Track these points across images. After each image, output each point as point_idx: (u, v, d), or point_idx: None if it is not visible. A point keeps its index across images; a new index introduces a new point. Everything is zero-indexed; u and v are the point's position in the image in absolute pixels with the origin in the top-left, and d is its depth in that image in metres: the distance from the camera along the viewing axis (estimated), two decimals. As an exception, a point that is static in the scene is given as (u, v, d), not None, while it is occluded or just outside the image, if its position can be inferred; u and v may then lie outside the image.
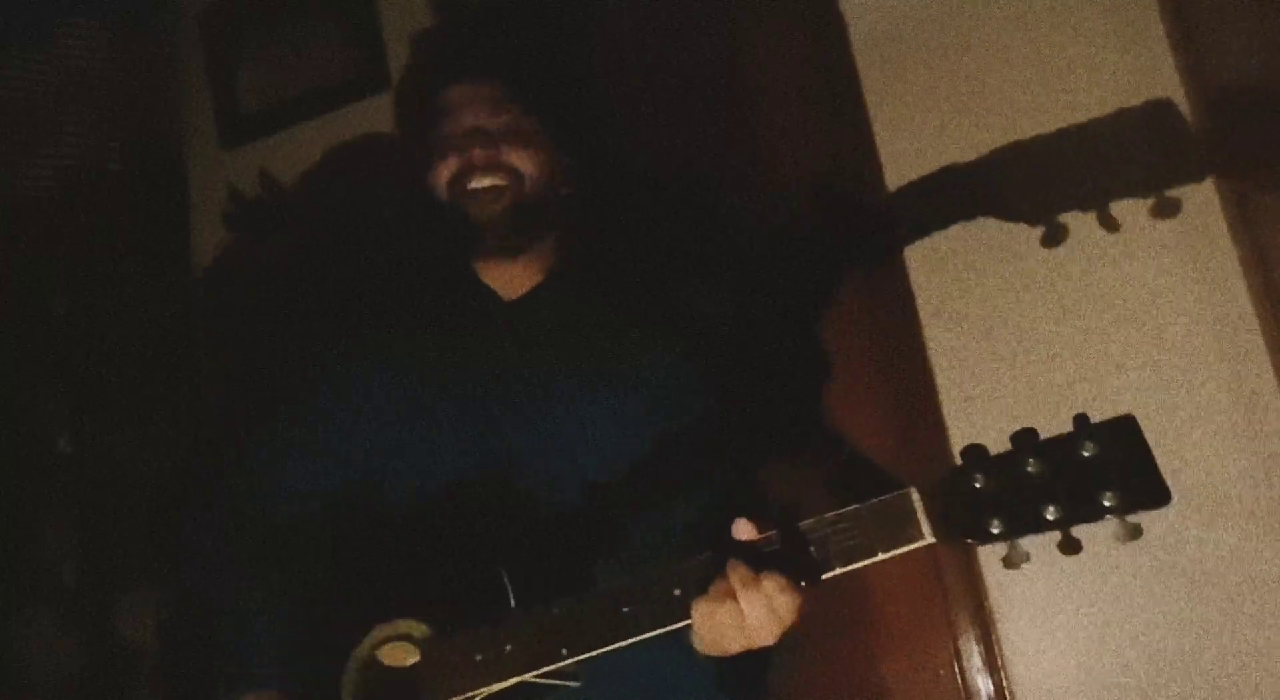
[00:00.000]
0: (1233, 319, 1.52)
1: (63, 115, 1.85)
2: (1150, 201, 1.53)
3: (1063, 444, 0.94)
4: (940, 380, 1.64)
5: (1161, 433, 1.44)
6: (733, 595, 0.96)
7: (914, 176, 1.68)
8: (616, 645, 1.02)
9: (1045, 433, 0.95)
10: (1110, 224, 1.53)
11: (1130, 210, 1.54)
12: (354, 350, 1.33)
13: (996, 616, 1.57)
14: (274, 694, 1.17)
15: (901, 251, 1.67)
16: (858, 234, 1.69)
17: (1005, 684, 1.56)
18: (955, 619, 1.58)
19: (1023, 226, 1.59)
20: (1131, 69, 1.60)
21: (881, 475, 1.34)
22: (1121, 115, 1.59)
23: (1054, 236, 1.57)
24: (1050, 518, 0.93)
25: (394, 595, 1.13)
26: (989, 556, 1.54)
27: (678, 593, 1.01)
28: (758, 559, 0.98)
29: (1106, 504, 0.91)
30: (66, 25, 1.78)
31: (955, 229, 1.65)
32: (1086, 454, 0.93)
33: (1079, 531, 0.93)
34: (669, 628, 1.00)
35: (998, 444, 0.96)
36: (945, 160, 1.67)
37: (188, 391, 1.83)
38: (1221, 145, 1.53)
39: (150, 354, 1.88)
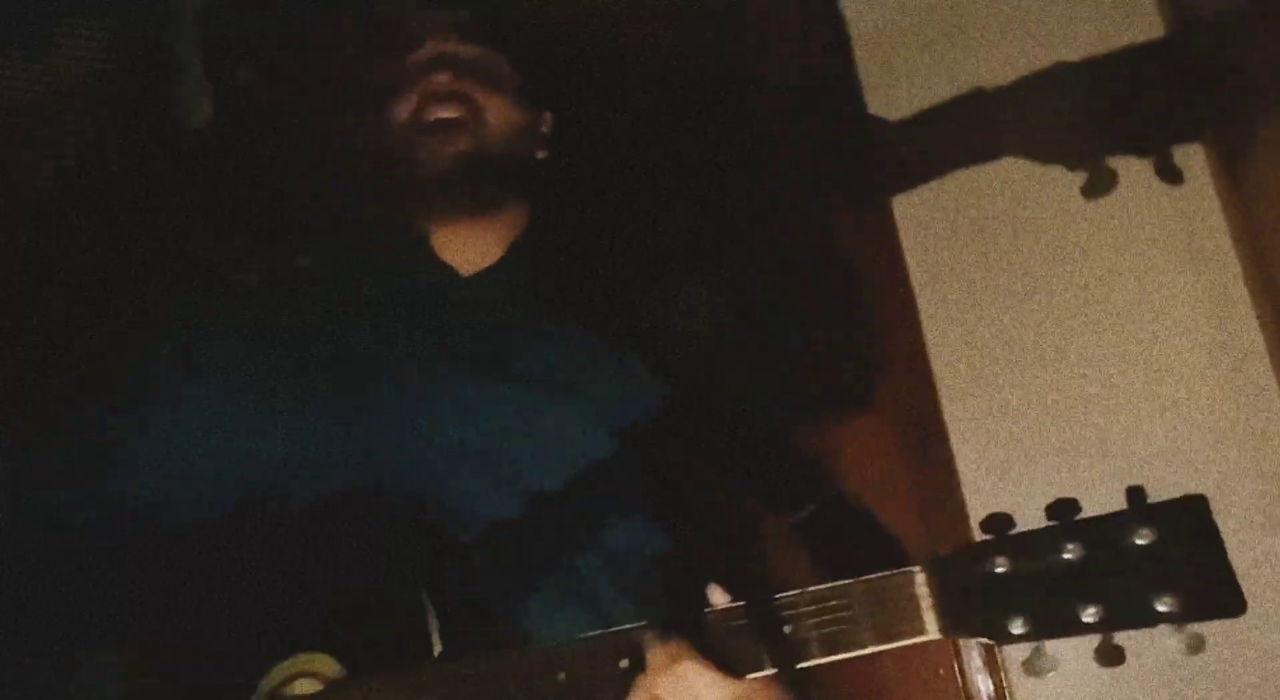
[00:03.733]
0: (1232, 318, 1.50)
1: (63, 115, 1.72)
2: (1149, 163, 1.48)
3: (1111, 526, 0.74)
4: (940, 378, 1.58)
5: (1160, 432, 1.48)
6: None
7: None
8: None
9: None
10: (1106, 178, 1.46)
11: (1129, 206, 1.53)
12: (258, 330, 1.14)
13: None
14: None
15: (889, 195, 1.58)
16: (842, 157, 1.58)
17: (1005, 684, 1.51)
18: (955, 619, 1.56)
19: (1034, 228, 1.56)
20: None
21: (876, 528, 1.14)
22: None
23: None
24: (1088, 620, 0.73)
25: (299, 622, 0.95)
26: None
27: (624, 665, 0.82)
28: (706, 635, 0.79)
29: (1162, 608, 0.72)
30: (66, 25, 1.66)
31: (954, 212, 1.59)
32: (1141, 542, 0.73)
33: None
34: None
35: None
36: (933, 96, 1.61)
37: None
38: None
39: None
